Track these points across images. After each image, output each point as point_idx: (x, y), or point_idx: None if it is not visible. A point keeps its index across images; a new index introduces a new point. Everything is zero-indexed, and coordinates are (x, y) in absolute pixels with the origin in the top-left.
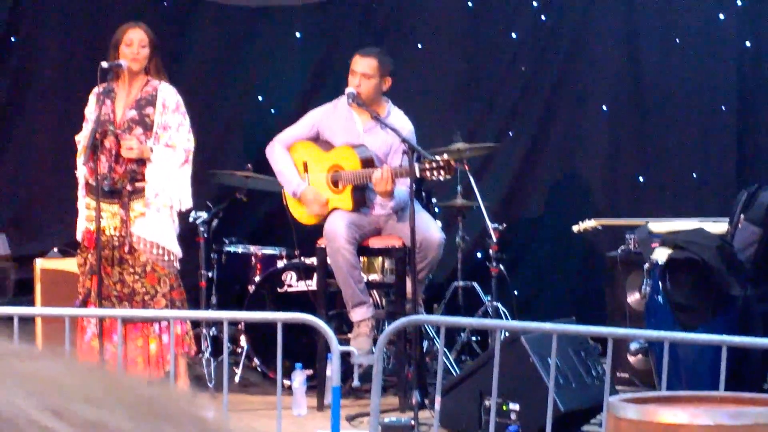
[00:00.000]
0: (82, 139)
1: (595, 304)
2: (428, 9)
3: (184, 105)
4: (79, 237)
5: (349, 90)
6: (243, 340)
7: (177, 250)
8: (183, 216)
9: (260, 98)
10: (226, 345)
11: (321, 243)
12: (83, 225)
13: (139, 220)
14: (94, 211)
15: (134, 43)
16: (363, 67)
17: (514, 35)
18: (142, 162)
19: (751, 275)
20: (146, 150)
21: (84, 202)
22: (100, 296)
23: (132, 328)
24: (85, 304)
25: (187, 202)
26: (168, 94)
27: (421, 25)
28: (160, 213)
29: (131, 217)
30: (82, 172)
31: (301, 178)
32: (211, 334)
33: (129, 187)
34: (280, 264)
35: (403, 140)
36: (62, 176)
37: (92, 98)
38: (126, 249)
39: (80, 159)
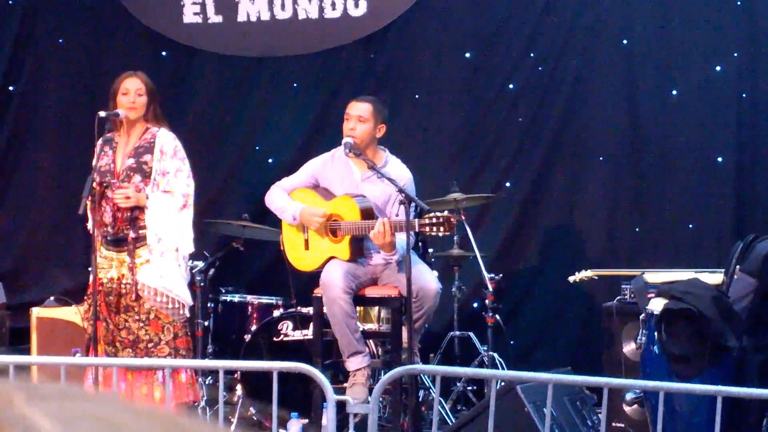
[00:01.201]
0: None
1: (591, 354)
2: (426, 60)
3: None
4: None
5: (345, 140)
6: (239, 389)
7: (184, 298)
8: None
9: (257, 148)
10: (222, 394)
11: (317, 292)
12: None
13: (144, 267)
14: (105, 260)
15: (130, 92)
16: (358, 110)
17: (511, 86)
18: (143, 209)
19: (746, 326)
20: (141, 198)
21: (97, 253)
22: (95, 342)
23: (137, 376)
24: (87, 351)
25: (189, 247)
26: (166, 140)
27: (418, 75)
28: (164, 258)
29: (137, 264)
30: (92, 222)
31: (299, 226)
32: (207, 382)
33: (133, 234)
34: (277, 313)
35: (399, 190)
36: (59, 226)
37: (98, 150)
38: (132, 296)
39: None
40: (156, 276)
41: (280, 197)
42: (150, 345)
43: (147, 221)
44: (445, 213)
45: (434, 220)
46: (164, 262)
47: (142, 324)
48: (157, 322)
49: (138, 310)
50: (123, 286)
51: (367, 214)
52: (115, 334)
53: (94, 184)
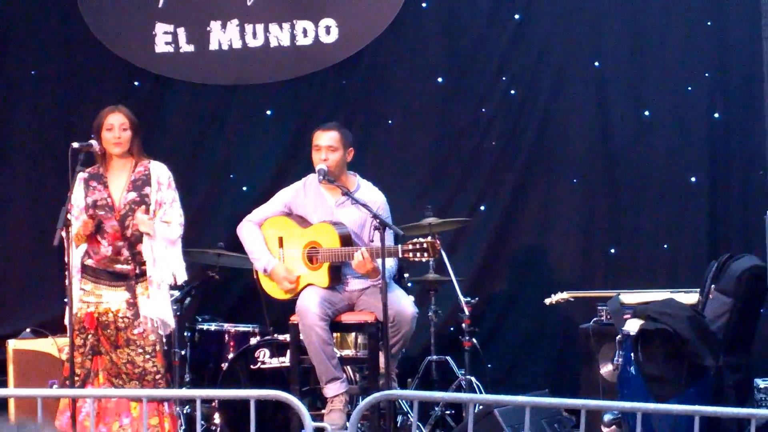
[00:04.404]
0: (75, 225)
1: (569, 375)
2: (398, 85)
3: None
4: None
5: (319, 167)
6: (217, 418)
7: (171, 324)
8: None
9: (232, 176)
10: (200, 423)
11: (294, 319)
12: (77, 307)
13: (145, 300)
14: (93, 296)
15: (115, 127)
16: (326, 140)
17: (484, 110)
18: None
19: (723, 345)
20: (151, 225)
21: (78, 286)
22: (73, 376)
23: (148, 407)
24: (84, 384)
25: (183, 276)
26: (161, 172)
27: (391, 101)
28: (161, 290)
29: (137, 296)
30: (78, 255)
31: (276, 254)
32: (184, 412)
33: (137, 270)
34: (254, 341)
35: (374, 216)
36: (33, 257)
37: (82, 184)
38: (133, 330)
39: (78, 244)
40: (155, 308)
41: (255, 240)
42: (158, 377)
43: (145, 252)
44: (429, 238)
45: (417, 246)
46: (160, 294)
47: (148, 356)
48: (160, 353)
49: (142, 344)
50: (121, 320)
51: (346, 240)
52: (120, 367)
53: (68, 216)
